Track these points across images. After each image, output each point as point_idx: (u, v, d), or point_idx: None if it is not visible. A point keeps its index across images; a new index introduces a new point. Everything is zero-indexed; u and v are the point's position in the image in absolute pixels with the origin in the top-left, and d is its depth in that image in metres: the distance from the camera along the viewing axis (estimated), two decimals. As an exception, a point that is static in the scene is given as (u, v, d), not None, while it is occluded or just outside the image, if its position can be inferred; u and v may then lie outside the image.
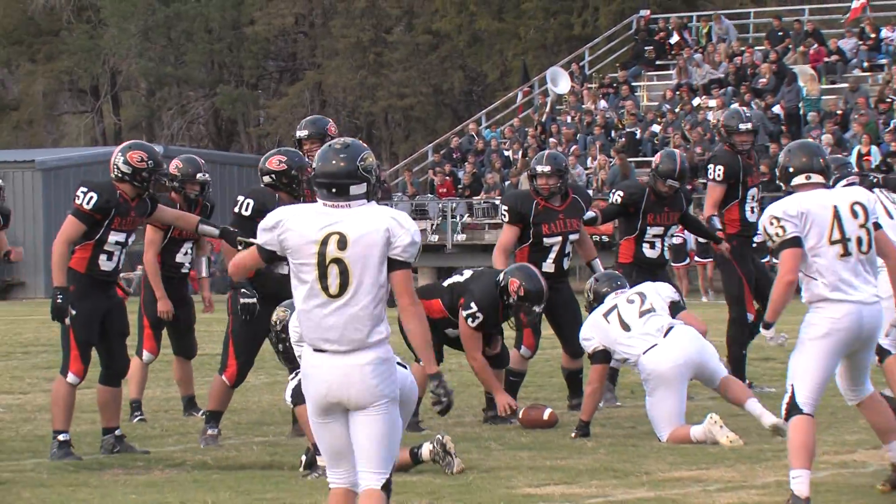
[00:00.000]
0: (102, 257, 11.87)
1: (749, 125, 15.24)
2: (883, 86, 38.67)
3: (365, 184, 7.36)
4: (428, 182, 41.94)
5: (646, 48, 45.29)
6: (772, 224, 9.37)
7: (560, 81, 44.56)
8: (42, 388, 16.67)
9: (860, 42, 41.30)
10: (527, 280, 13.10)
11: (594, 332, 12.76)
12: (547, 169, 14.23)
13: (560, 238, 14.28)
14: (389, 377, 7.33)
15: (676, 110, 41.23)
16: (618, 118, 42.12)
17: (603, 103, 43.14)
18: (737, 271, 15.27)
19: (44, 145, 63.67)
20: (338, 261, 7.26)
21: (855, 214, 9.41)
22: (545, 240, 14.23)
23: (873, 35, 41.36)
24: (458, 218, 40.21)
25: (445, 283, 13.66)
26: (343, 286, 7.25)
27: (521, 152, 41.63)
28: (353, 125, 62.23)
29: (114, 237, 11.88)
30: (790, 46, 42.08)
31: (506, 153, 42.21)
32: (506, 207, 14.37)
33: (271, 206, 11.18)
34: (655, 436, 12.49)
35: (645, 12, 46.37)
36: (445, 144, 44.75)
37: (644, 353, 12.52)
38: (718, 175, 15.14)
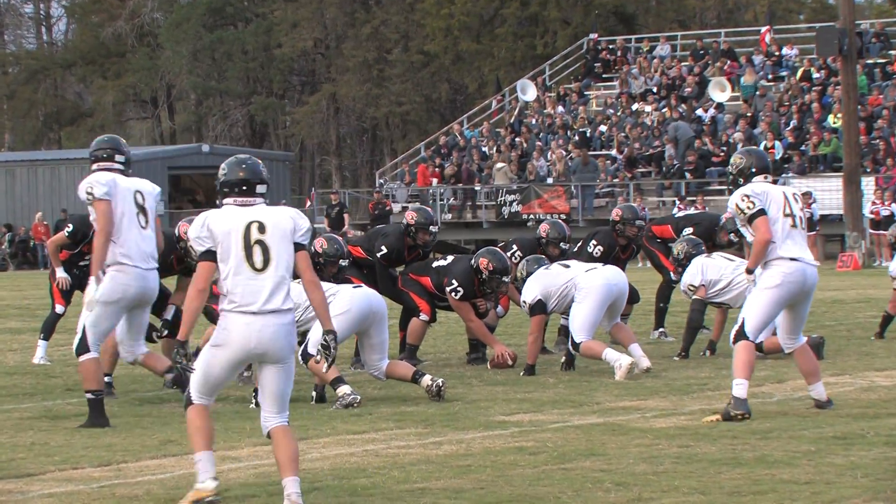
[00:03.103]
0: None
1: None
2: (783, 93, 38.64)
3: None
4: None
5: (594, 64, 45.18)
6: (743, 201, 9.73)
7: (528, 91, 44.53)
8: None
9: (766, 58, 41.21)
10: (493, 259, 13.05)
11: (537, 283, 12.65)
12: None
13: None
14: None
15: (619, 114, 41.22)
16: (572, 120, 42.04)
17: (560, 108, 43.03)
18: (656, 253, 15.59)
19: (113, 145, 63.44)
20: None
21: (796, 199, 9.91)
22: None
23: (777, 53, 41.28)
24: (444, 200, 40.12)
25: (433, 265, 13.69)
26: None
27: (495, 148, 41.60)
28: (360, 127, 62.16)
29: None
30: (710, 62, 41.99)
31: (483, 149, 42.13)
32: None
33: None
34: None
35: (593, 35, 46.24)
36: (435, 142, 44.63)
37: (584, 273, 12.49)
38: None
